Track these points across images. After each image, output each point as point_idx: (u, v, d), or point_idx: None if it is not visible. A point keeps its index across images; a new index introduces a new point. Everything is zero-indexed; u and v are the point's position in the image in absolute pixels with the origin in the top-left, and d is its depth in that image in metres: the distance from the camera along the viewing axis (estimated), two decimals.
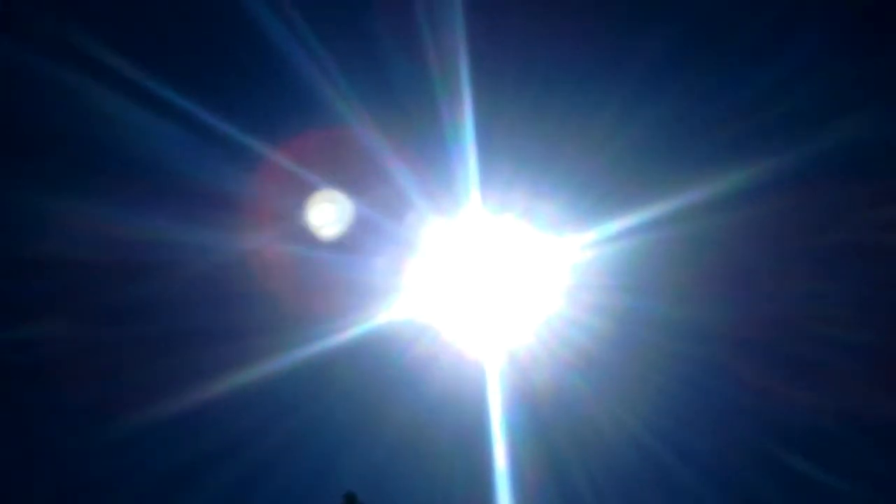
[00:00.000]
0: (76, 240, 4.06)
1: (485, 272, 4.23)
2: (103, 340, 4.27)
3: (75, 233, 4.06)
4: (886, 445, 4.16)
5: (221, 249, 4.11)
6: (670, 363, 4.36)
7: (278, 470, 4.25)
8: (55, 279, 4.11)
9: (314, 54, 4.07)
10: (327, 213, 4.15)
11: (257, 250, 4.10)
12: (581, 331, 4.29)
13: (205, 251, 4.09)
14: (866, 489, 3.95)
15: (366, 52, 4.16)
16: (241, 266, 4.10)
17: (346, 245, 4.17)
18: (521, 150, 4.23)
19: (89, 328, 4.24)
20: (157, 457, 4.29)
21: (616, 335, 4.29)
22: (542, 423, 4.29)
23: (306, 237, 4.15)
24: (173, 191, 3.91)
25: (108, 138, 3.85)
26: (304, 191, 4.10)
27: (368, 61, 4.16)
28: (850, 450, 4.03)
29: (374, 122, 4.15)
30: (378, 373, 4.21)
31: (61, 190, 3.90)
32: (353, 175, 4.09)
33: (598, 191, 4.31)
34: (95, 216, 4.00)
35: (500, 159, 4.25)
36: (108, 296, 4.17)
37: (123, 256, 4.08)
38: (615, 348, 4.32)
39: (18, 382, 4.25)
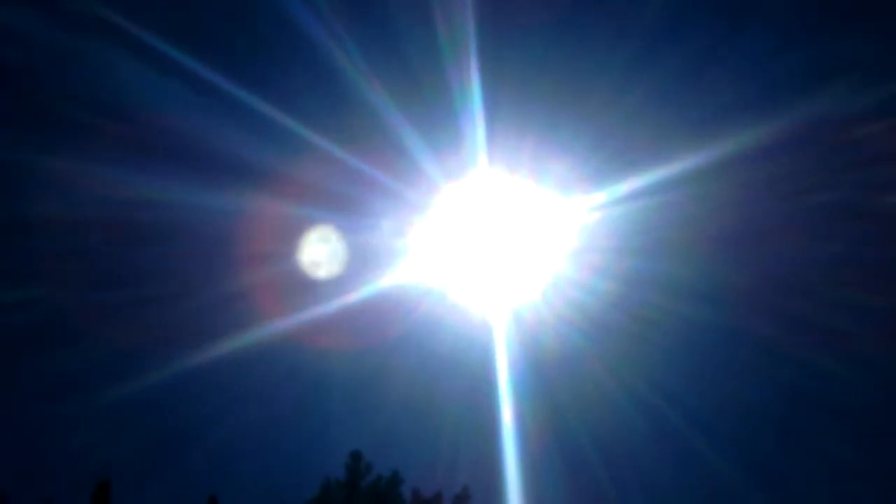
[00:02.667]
0: (76, 199, 4.09)
1: (492, 233, 4.29)
2: (107, 303, 4.31)
3: (75, 192, 4.08)
4: None
5: (226, 211, 4.14)
6: (677, 325, 4.46)
7: (284, 431, 4.34)
8: (56, 240, 4.14)
9: (321, 15, 4.08)
10: (333, 175, 4.18)
11: (262, 212, 4.12)
12: (587, 292, 4.37)
13: (209, 213, 4.12)
14: (875, 455, 4.07)
15: (371, 13, 4.17)
16: (246, 228, 4.13)
17: (352, 207, 4.21)
18: (530, 110, 4.28)
19: (89, 292, 4.28)
20: (163, 419, 4.36)
21: (622, 297, 4.38)
22: (547, 384, 4.40)
23: (312, 199, 4.18)
24: (176, 151, 3.93)
25: (114, 97, 3.85)
26: (308, 152, 4.12)
27: (374, 21, 4.17)
28: (858, 413, 4.14)
29: (380, 82, 4.18)
30: (385, 335, 4.28)
31: (68, 151, 3.91)
32: (358, 136, 4.11)
33: (607, 152, 4.37)
34: (103, 177, 4.02)
35: (508, 120, 4.30)
36: (108, 257, 4.20)
37: (124, 217, 4.11)
38: (621, 310, 4.41)
39: (8, 345, 4.30)
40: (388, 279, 4.28)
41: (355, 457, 4.45)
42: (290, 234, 4.18)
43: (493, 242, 4.33)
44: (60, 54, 3.84)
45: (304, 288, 4.23)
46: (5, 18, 3.71)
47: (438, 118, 4.25)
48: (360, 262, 4.24)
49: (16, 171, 4.00)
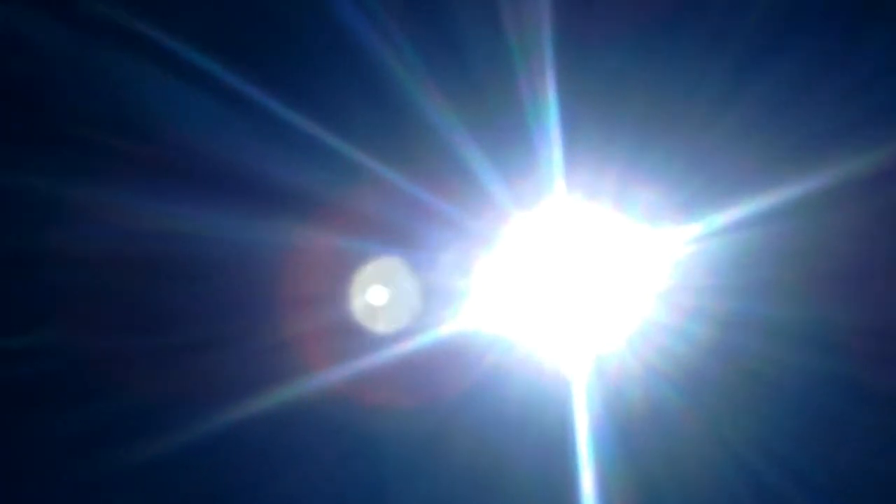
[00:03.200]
0: (96, 231, 3.57)
1: (569, 271, 3.72)
2: (131, 350, 3.78)
3: (95, 223, 3.57)
4: None
5: (266, 245, 3.61)
6: (782, 376, 3.83)
7: (331, 499, 3.76)
8: (73, 277, 3.62)
9: (374, 20, 3.56)
10: (386, 204, 3.64)
11: (307, 246, 3.59)
12: (680, 338, 3.77)
13: (247, 247, 3.59)
14: None
15: (431, 15, 3.65)
16: (289, 264, 3.60)
17: (408, 240, 3.66)
18: (614, 127, 3.71)
19: (110, 337, 3.75)
20: (194, 483, 3.80)
21: (721, 343, 3.77)
22: (634, 445, 3.79)
23: (363, 231, 3.64)
24: (211, 177, 3.41)
25: (144, 118, 3.35)
26: (359, 177, 3.59)
27: (434, 25, 3.65)
28: None
29: (440, 95, 3.64)
30: (446, 389, 3.70)
31: (87, 176, 3.40)
32: (416, 158, 3.57)
33: (702, 178, 3.78)
34: (128, 205, 3.51)
35: (589, 138, 3.73)
36: (132, 297, 3.67)
37: (151, 251, 3.59)
38: (719, 359, 3.79)
39: (20, 398, 3.75)
40: (450, 324, 3.72)
41: None
42: (339, 272, 3.64)
43: (570, 281, 3.75)
44: (77, 65, 3.36)
45: (355, 334, 3.68)
46: (11, 23, 3.25)
47: (508, 136, 3.69)
48: (418, 304, 3.68)
49: (28, 198, 3.50)
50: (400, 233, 3.65)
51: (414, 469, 3.74)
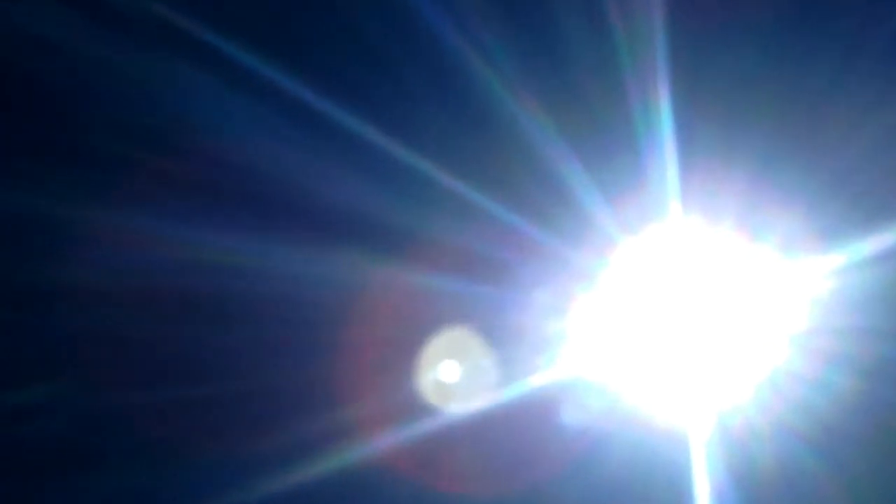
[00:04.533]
0: (124, 263, 3.03)
1: (686, 310, 3.17)
2: (162, 404, 3.22)
3: (123, 254, 3.03)
4: None
5: (328, 281, 3.06)
6: None
7: None
8: (95, 319, 3.07)
9: (458, 18, 3.06)
10: (472, 232, 3.10)
11: (378, 284, 3.05)
12: (817, 390, 3.21)
13: (304, 284, 3.05)
14: None
15: (524, 11, 3.15)
16: (356, 304, 3.05)
17: (498, 276, 3.12)
18: (739, 139, 3.18)
19: (140, 389, 3.19)
20: None
21: (865, 396, 3.20)
22: None
23: (444, 265, 3.10)
24: (264, 201, 2.88)
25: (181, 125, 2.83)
26: (441, 201, 3.06)
27: (527, 23, 3.14)
28: None
29: (535, 105, 3.12)
30: (543, 450, 3.14)
31: (116, 199, 2.87)
32: (507, 180, 3.04)
33: (843, 198, 3.22)
34: (162, 234, 2.98)
35: (710, 153, 3.20)
36: (164, 342, 3.11)
37: (188, 288, 3.05)
38: (861, 414, 3.23)
39: (22, 464, 3.16)
40: (547, 373, 3.18)
41: None
42: (416, 315, 3.10)
43: (687, 322, 3.20)
44: (104, 68, 2.86)
45: (435, 387, 3.13)
46: (21, 18, 2.75)
47: (613, 150, 3.20)
48: (510, 350, 3.12)
49: (36, 222, 2.95)
50: (488, 266, 3.12)
51: None
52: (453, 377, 3.12)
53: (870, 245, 3.12)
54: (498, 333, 3.14)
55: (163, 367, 3.01)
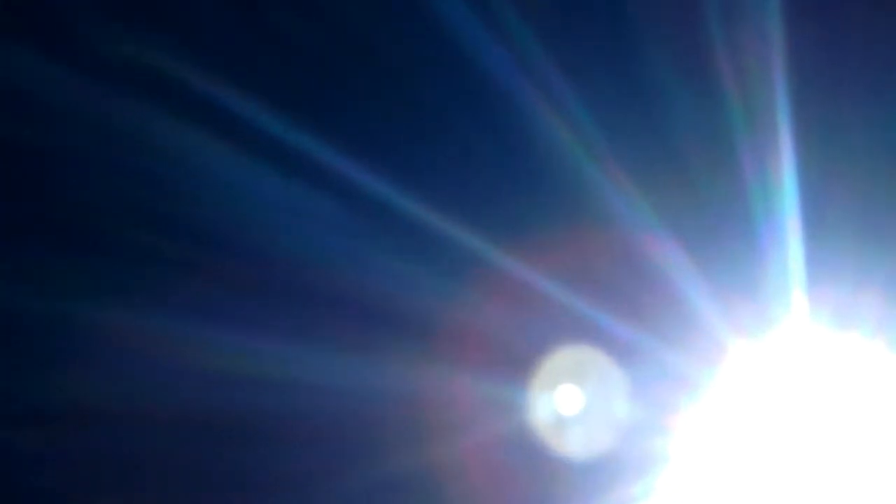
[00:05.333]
0: (144, 374, 2.55)
1: (810, 423, 2.63)
2: None
3: (145, 364, 2.55)
4: None
5: (381, 390, 2.55)
6: None
7: None
8: (103, 438, 2.57)
9: (550, 88, 2.57)
10: (554, 331, 2.59)
11: (444, 392, 2.53)
12: None
13: (357, 394, 2.54)
14: None
15: (629, 86, 2.64)
16: (417, 418, 2.54)
17: (586, 383, 2.60)
18: (879, 226, 2.64)
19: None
20: None
21: None
22: None
23: (524, 371, 2.59)
24: (324, 299, 2.39)
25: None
26: (522, 300, 2.55)
27: (631, 97, 2.64)
28: None
29: (635, 187, 2.61)
30: None
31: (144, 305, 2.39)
32: (602, 273, 2.53)
33: None
34: (185, 337, 2.49)
35: (842, 243, 2.67)
36: (192, 465, 2.62)
37: (220, 403, 2.56)
38: None
39: None
40: (646, 502, 2.66)
41: None
42: (487, 432, 2.59)
43: (812, 437, 2.67)
44: (113, 136, 2.44)
45: None
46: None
47: (725, 239, 2.66)
48: (599, 476, 2.60)
49: (47, 329, 2.49)
50: (572, 373, 2.59)
51: None
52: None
53: None
54: (585, 456, 2.61)
55: (190, 498, 2.52)
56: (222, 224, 2.43)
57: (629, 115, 2.60)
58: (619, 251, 2.59)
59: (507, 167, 2.56)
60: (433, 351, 2.53)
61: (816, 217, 2.59)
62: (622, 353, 2.58)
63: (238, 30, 2.53)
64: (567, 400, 2.56)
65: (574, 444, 2.56)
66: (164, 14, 2.47)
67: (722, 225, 2.59)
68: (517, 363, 2.55)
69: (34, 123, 2.49)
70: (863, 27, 2.65)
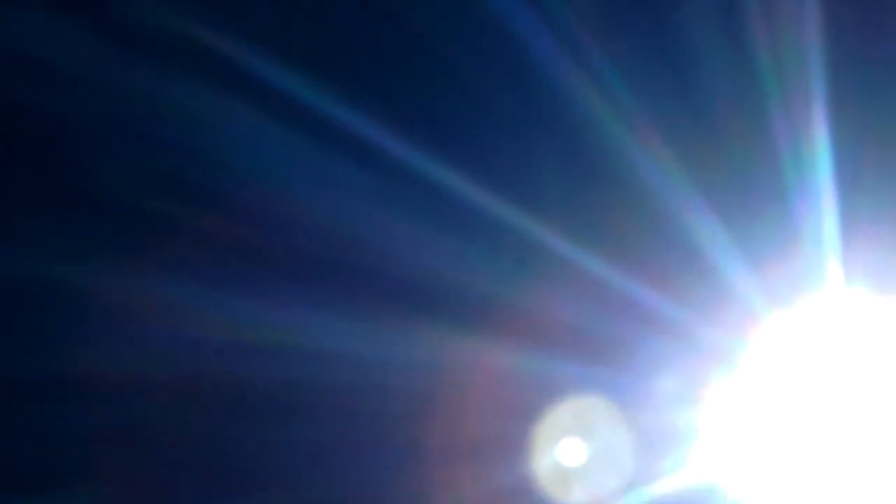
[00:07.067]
0: (156, 345, 2.47)
1: (846, 401, 2.60)
2: None
3: (158, 334, 2.47)
4: None
5: (410, 364, 2.49)
6: None
7: None
8: (111, 413, 2.49)
9: (591, 67, 2.52)
10: (580, 303, 2.54)
11: (474, 366, 2.48)
12: None
13: (390, 365, 2.48)
14: None
15: (664, 60, 2.60)
16: (447, 392, 2.48)
17: (612, 357, 2.56)
18: None
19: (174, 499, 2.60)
20: None
21: None
22: None
23: (548, 344, 2.54)
24: (348, 268, 2.33)
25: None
26: (547, 265, 2.51)
27: (666, 71, 2.59)
28: None
29: (669, 156, 2.57)
30: None
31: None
32: (636, 243, 2.49)
33: None
34: (202, 307, 2.42)
35: (877, 209, 2.65)
36: (206, 441, 2.54)
37: (240, 375, 2.49)
38: None
39: None
40: (676, 478, 2.61)
41: None
42: (517, 405, 2.54)
43: (848, 415, 2.64)
44: (121, 98, 2.36)
45: (538, 496, 2.57)
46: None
47: (758, 207, 2.62)
48: (630, 450, 2.56)
49: (52, 297, 2.41)
50: (606, 347, 2.55)
51: None
52: (561, 481, 2.55)
53: None
54: (616, 429, 2.57)
55: (201, 475, 2.44)
56: (244, 188, 2.36)
57: (664, 86, 2.56)
58: (653, 222, 2.56)
59: (541, 140, 2.51)
60: (461, 324, 2.48)
61: (851, 186, 2.56)
62: (656, 325, 2.54)
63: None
64: (596, 366, 2.52)
65: (607, 424, 2.52)
66: None
67: (756, 194, 2.56)
68: (550, 337, 2.50)
69: (50, 89, 2.42)
70: None
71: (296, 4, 2.40)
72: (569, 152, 2.54)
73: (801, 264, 2.56)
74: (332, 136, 2.32)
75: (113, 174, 2.42)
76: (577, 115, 2.53)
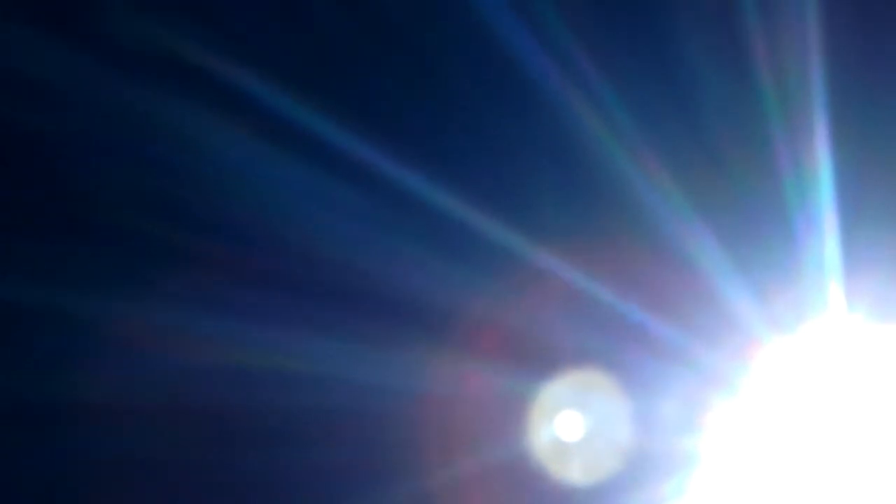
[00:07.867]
0: (152, 371, 2.47)
1: (850, 427, 2.59)
2: None
3: (153, 360, 2.48)
4: None
5: (403, 387, 2.49)
6: None
7: None
8: (109, 438, 2.49)
9: (588, 85, 2.53)
10: (594, 328, 2.54)
11: (468, 386, 2.49)
12: None
13: (379, 392, 2.48)
14: None
15: (663, 80, 2.60)
16: (438, 413, 2.49)
17: (614, 380, 2.56)
18: None
19: None
20: None
21: None
22: None
23: (545, 365, 2.54)
24: (353, 293, 2.34)
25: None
26: (541, 284, 2.51)
27: (666, 91, 2.60)
28: None
29: (669, 178, 2.58)
30: None
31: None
32: (635, 266, 2.50)
33: None
34: (196, 332, 2.43)
35: (879, 233, 2.64)
36: (203, 467, 2.54)
37: (237, 400, 2.49)
38: None
39: None
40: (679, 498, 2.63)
41: None
42: (513, 430, 2.54)
43: (852, 441, 2.64)
44: (124, 121, 2.39)
45: None
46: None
47: (759, 231, 2.62)
48: (627, 475, 2.56)
49: (54, 324, 2.41)
50: (604, 370, 2.55)
51: None
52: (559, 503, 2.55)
53: None
54: (615, 452, 2.57)
55: (202, 501, 2.44)
56: (254, 218, 2.37)
57: (664, 108, 2.56)
58: (654, 245, 2.56)
59: (540, 161, 2.52)
60: (457, 346, 2.49)
61: (852, 210, 2.56)
62: (656, 349, 2.54)
63: (259, 14, 2.49)
64: (595, 401, 2.52)
65: (604, 443, 2.52)
66: None
67: (757, 218, 2.56)
68: (545, 359, 2.51)
69: (44, 110, 2.43)
70: None
71: (291, 25, 2.41)
72: (568, 175, 2.54)
73: (802, 289, 2.56)
74: (326, 157, 2.33)
75: (109, 198, 2.43)
76: (576, 138, 2.54)
